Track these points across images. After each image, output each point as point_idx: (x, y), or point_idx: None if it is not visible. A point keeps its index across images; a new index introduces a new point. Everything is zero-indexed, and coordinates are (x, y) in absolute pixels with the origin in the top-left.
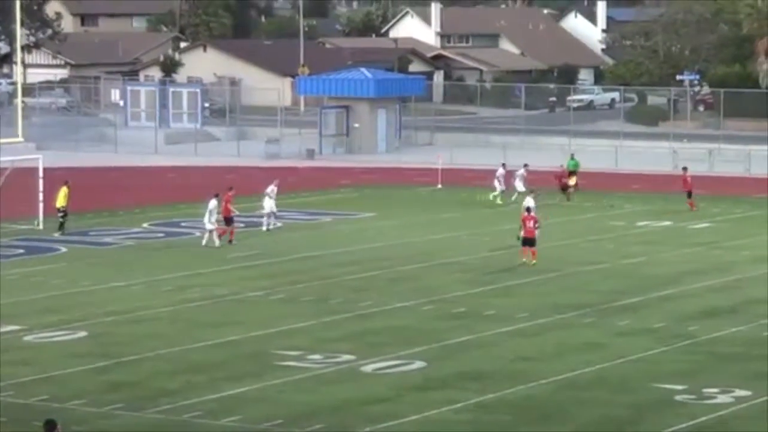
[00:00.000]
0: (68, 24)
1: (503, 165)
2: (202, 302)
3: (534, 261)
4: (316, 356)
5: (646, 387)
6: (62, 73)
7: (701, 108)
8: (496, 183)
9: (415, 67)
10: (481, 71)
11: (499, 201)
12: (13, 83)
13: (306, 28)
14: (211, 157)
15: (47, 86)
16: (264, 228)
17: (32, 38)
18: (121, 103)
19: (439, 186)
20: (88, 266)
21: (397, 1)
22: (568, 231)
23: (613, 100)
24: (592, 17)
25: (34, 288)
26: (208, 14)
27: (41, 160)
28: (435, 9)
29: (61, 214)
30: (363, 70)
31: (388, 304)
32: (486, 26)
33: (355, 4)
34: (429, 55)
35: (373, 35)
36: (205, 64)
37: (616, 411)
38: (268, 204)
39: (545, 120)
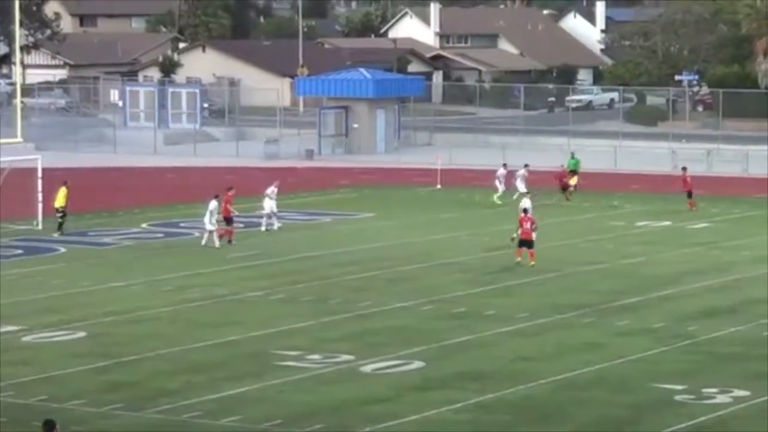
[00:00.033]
0: (67, 24)
1: (504, 165)
2: (201, 302)
3: (533, 262)
4: (316, 356)
5: (645, 387)
6: (61, 74)
7: (700, 108)
8: (497, 183)
9: (414, 67)
10: (480, 71)
11: (498, 201)
12: (12, 84)
13: (305, 29)
14: (210, 158)
15: (46, 87)
16: (263, 228)
17: (31, 39)
18: (120, 103)
19: (439, 186)
20: (87, 266)
21: (396, 1)
22: (567, 231)
23: (612, 100)
24: (591, 17)
25: (34, 288)
26: (207, 15)
27: (40, 161)
28: (434, 9)
29: (59, 215)
30: (362, 70)
31: (387, 304)
32: (485, 26)
33: (354, 4)
34: (428, 55)
35: (372, 36)
36: (204, 64)
37: (615, 411)
38: (268, 204)
39: (544, 120)
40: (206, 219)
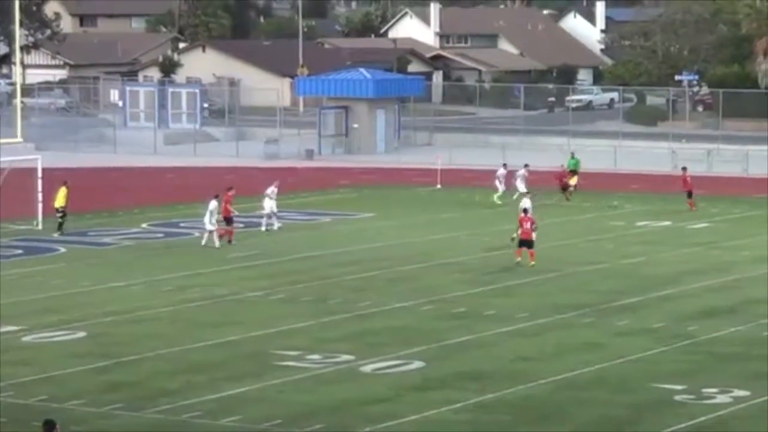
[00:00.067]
0: (67, 24)
1: (504, 165)
2: (201, 302)
3: (533, 262)
4: (316, 356)
5: (645, 387)
6: (61, 74)
7: (700, 108)
8: (497, 183)
9: (414, 67)
10: (480, 71)
11: (498, 201)
12: (12, 84)
13: (305, 29)
14: (210, 158)
15: (46, 87)
16: (263, 228)
17: (31, 39)
18: (120, 103)
19: (438, 186)
20: (87, 266)
21: (396, 1)
22: (567, 231)
23: (612, 100)
24: (591, 17)
25: (33, 288)
26: (207, 15)
27: (40, 161)
28: (434, 9)
29: (59, 215)
30: (362, 70)
31: (387, 304)
32: (485, 26)
33: (354, 4)
34: (428, 55)
35: (372, 36)
36: (204, 64)
37: (615, 411)
38: (269, 205)
39: (544, 120)
40: (206, 219)
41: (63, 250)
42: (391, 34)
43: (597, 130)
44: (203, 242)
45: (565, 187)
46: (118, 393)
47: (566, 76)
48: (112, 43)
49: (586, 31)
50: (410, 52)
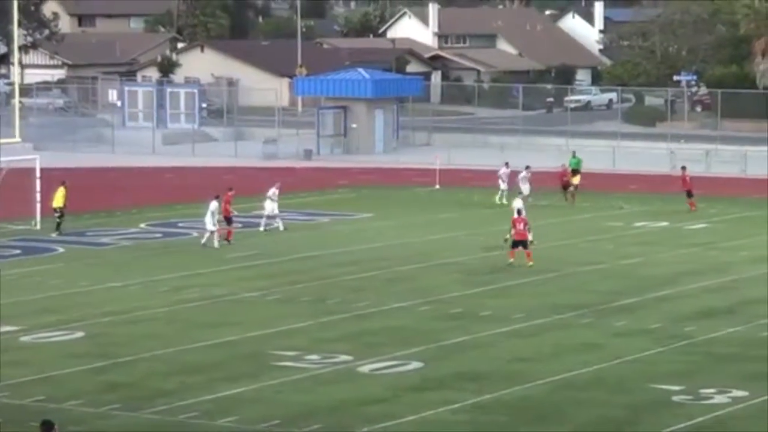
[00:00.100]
0: (65, 24)
1: (506, 164)
2: (199, 303)
3: (531, 263)
4: (314, 356)
5: (643, 387)
6: (59, 74)
7: (698, 108)
8: (500, 182)
9: (413, 67)
10: (478, 72)
11: (498, 201)
12: (11, 83)
13: (303, 29)
14: (208, 158)
15: (44, 87)
16: (262, 228)
17: (29, 38)
18: (119, 103)
19: (437, 186)
20: (85, 266)
21: (395, 1)
22: (566, 231)
23: (610, 100)
24: (589, 18)
25: (31, 288)
26: (205, 15)
27: (38, 161)
28: (432, 9)
29: (57, 215)
30: (360, 70)
31: (385, 304)
32: (483, 27)
33: (352, 4)
34: (426, 55)
35: (371, 36)
36: (202, 64)
37: (613, 411)
38: (270, 206)
39: (543, 120)
40: (207, 219)
41: (61, 250)
42: (390, 35)
43: (595, 131)
44: (203, 241)
45: (566, 186)
46: (116, 393)
47: (565, 76)
48: (111, 43)
49: (585, 32)
50: (409, 52)
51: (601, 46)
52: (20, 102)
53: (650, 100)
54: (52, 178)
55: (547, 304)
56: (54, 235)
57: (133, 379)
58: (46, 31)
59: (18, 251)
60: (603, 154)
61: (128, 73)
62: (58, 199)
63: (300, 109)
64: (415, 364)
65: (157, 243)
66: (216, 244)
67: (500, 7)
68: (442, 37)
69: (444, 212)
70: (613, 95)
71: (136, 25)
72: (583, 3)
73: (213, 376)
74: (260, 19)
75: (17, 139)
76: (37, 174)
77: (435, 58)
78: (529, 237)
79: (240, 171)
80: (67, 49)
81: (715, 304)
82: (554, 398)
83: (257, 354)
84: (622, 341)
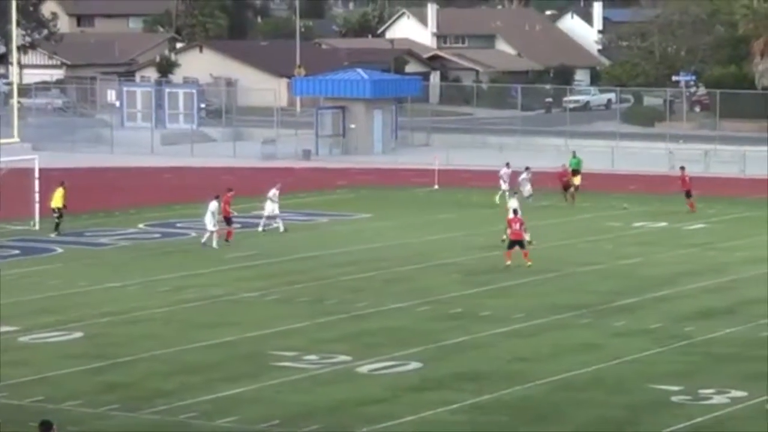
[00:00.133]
0: (64, 24)
1: (507, 164)
2: (198, 303)
3: (529, 263)
4: (312, 357)
5: (642, 388)
6: (58, 74)
7: (697, 109)
8: (501, 183)
9: (412, 67)
10: (477, 72)
11: (498, 201)
12: (9, 84)
13: (302, 29)
14: (207, 158)
15: (43, 87)
16: (261, 229)
17: (28, 39)
18: (117, 103)
19: (436, 187)
20: (84, 267)
21: (394, 1)
22: (565, 231)
23: (609, 100)
24: (588, 18)
25: (30, 289)
26: (204, 15)
27: (37, 161)
28: (431, 10)
29: (56, 215)
30: (359, 70)
31: (384, 304)
32: (482, 27)
33: (351, 4)
34: (425, 55)
35: (370, 36)
36: (201, 64)
37: (612, 412)
38: (270, 207)
39: (541, 121)
40: (207, 219)
41: (60, 250)
42: (389, 35)
43: (594, 131)
44: (203, 240)
45: (566, 187)
46: (115, 394)
47: (563, 76)
48: (110, 43)
49: (584, 32)
50: (407, 52)
51: (600, 47)
52: (19, 102)
53: (649, 101)
54: (50, 178)
55: (547, 305)
56: (53, 235)
57: (131, 380)
58: (45, 31)
59: (17, 251)
60: (602, 154)
61: (127, 73)
62: (57, 200)
63: (298, 109)
64: (414, 365)
65: (155, 243)
66: (215, 244)
67: (499, 7)
68: (440, 37)
69: (443, 212)
70: (611, 95)
71: (134, 25)
72: (581, 3)
73: (212, 377)
74: (259, 19)
75: (16, 139)
76: (36, 174)
77: (434, 58)
78: (527, 237)
79: (238, 171)
80: (65, 49)
81: (714, 305)
82: (553, 398)
83: (256, 354)
84: (621, 341)
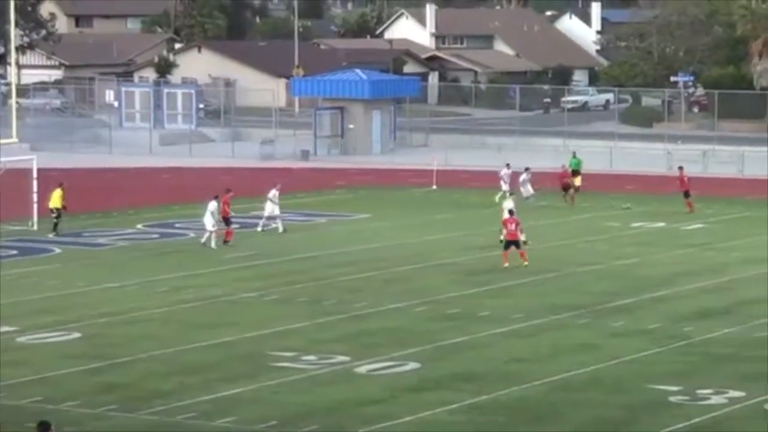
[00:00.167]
0: (62, 25)
1: (507, 165)
2: (196, 303)
3: (526, 263)
4: (311, 357)
5: (640, 388)
6: (56, 74)
7: (695, 109)
8: (501, 183)
9: (410, 68)
10: (475, 72)
11: (498, 200)
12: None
13: (301, 29)
14: (205, 158)
15: (41, 87)
16: (259, 229)
17: (26, 39)
18: (116, 104)
19: (434, 187)
20: (82, 267)
21: (392, 2)
22: (564, 232)
23: (607, 101)
24: (586, 18)
25: (28, 289)
26: (202, 15)
27: (35, 161)
28: (430, 10)
29: (54, 215)
30: (358, 71)
31: (382, 305)
32: (480, 27)
33: (350, 5)
34: (424, 56)
35: (368, 36)
36: (199, 65)
37: (610, 412)
38: (269, 207)
39: (540, 121)
40: (206, 219)
41: (58, 250)
42: (387, 35)
43: (592, 131)
44: (203, 240)
45: (566, 188)
46: (113, 394)
47: (562, 77)
48: (108, 44)
49: (582, 32)
50: (406, 53)
51: (599, 47)
52: (17, 102)
53: (647, 101)
54: (49, 178)
55: (545, 305)
56: (51, 235)
57: (130, 380)
58: (43, 32)
59: (15, 252)
60: (600, 154)
61: (125, 73)
62: (55, 200)
63: (297, 109)
64: (412, 365)
65: (154, 244)
66: (213, 244)
67: (497, 7)
68: (439, 37)
69: (441, 213)
70: (610, 96)
71: (133, 25)
72: (580, 4)
73: (210, 377)
74: (257, 19)
75: (14, 139)
76: (34, 174)
77: (432, 58)
78: (522, 237)
79: (237, 171)
80: (64, 49)
81: (713, 305)
82: (551, 399)
83: (254, 354)
84: (619, 342)
